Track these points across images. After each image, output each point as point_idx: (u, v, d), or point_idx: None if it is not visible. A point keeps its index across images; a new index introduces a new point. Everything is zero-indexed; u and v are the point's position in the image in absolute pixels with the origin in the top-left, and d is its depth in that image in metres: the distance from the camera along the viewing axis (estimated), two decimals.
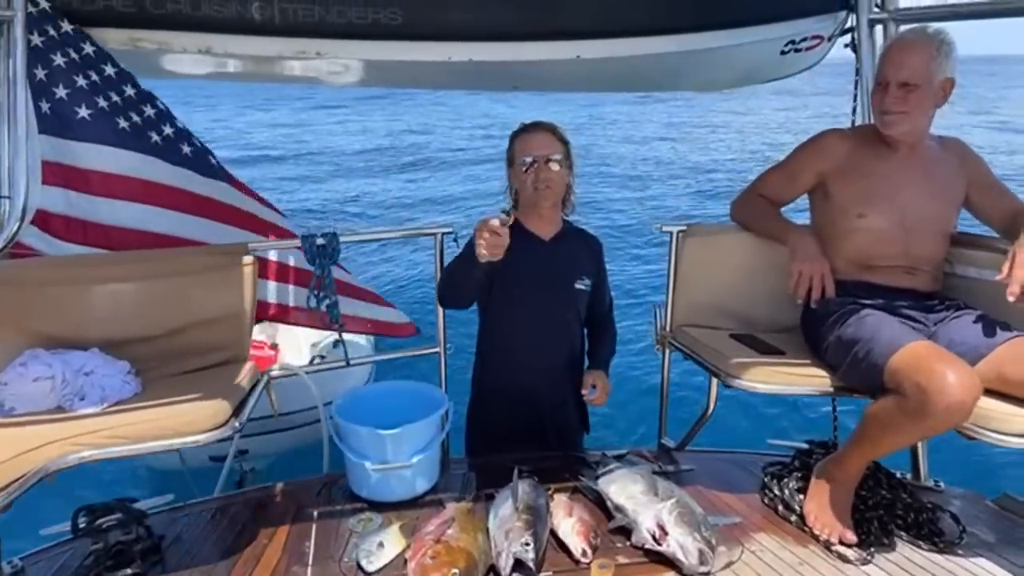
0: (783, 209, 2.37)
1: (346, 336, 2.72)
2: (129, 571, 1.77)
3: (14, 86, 2.16)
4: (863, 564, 1.82)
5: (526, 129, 2.30)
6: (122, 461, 1.78)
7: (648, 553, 1.83)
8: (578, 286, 2.37)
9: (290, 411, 3.32)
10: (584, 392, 2.37)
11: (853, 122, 2.72)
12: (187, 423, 1.78)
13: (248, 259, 2.28)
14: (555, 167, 2.23)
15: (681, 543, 1.77)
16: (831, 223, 2.20)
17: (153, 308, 2.17)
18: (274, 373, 2.39)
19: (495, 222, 1.85)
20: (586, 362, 2.49)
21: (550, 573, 1.77)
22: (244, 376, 2.09)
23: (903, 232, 2.10)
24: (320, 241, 2.42)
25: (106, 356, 2.00)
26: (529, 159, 2.21)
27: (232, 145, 19.46)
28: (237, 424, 1.86)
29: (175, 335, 2.19)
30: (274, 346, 4.13)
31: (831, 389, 2.05)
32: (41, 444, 1.63)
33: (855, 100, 2.78)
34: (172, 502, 2.17)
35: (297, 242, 2.45)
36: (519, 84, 3.29)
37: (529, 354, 2.36)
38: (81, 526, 1.87)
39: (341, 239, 2.46)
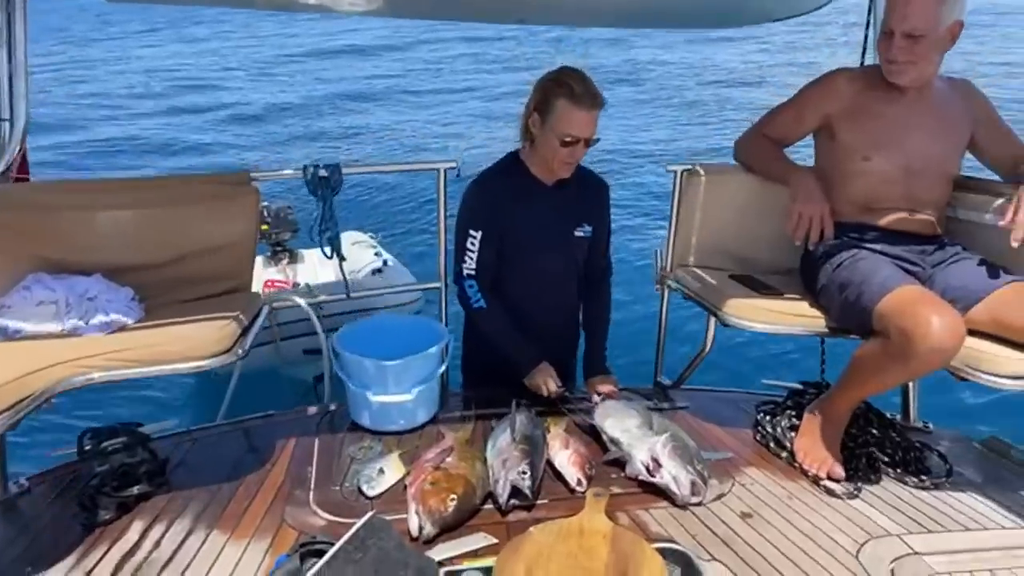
0: (787, 150, 2.34)
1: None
2: (135, 490, 1.81)
3: (14, 8, 2.11)
4: (850, 498, 1.87)
5: (580, 100, 2.05)
6: (127, 385, 1.79)
7: (642, 484, 1.88)
8: (578, 233, 2.33)
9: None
10: (596, 399, 2.27)
11: (863, 63, 2.66)
12: (192, 347, 1.80)
13: (250, 188, 2.26)
14: (588, 148, 2.16)
15: (674, 475, 1.81)
16: (835, 165, 2.18)
17: (155, 235, 2.16)
18: (276, 304, 2.40)
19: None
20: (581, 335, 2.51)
21: (547, 501, 1.82)
22: (246, 304, 2.10)
23: (907, 175, 2.08)
24: (323, 172, 2.38)
25: (109, 282, 2.00)
26: (571, 139, 2.09)
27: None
28: (240, 351, 1.89)
29: (177, 263, 2.18)
30: (296, 284, 4.07)
31: (825, 330, 2.08)
32: (48, 365, 1.64)
33: (865, 40, 2.71)
34: (176, 427, 2.21)
35: (299, 172, 2.42)
36: (526, 17, 3.13)
37: (529, 304, 2.34)
38: (86, 449, 1.89)
39: (344, 171, 2.43)
